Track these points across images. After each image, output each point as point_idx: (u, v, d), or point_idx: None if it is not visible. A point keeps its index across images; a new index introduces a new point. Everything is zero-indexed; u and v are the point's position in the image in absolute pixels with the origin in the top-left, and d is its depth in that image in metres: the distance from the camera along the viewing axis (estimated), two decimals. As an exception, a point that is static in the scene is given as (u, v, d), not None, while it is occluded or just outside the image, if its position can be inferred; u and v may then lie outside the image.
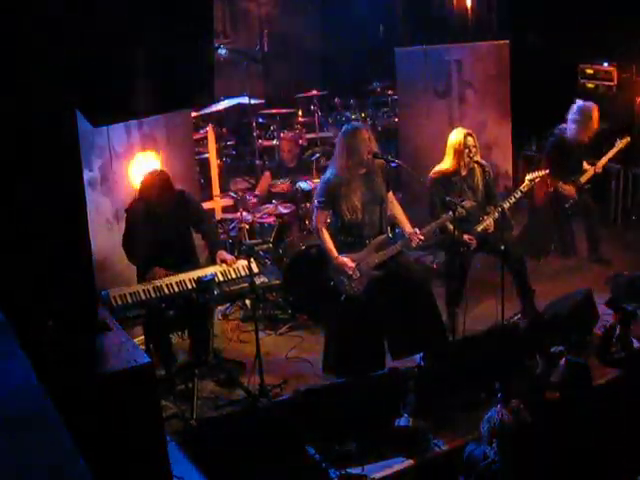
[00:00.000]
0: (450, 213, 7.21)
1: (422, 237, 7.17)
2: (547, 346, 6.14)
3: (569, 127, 9.02)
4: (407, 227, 7.30)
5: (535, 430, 5.56)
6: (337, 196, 7.02)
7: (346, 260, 7.00)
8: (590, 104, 8.97)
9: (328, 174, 7.18)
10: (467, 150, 7.79)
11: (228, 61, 11.70)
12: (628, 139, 9.22)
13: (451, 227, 7.56)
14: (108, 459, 4.81)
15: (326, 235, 7.11)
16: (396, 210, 7.40)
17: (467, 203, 7.38)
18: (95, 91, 4.65)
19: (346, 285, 7.04)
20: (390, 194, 7.37)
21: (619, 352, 6.52)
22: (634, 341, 7.00)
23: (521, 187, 7.95)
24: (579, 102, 9.03)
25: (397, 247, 7.18)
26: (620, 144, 9.19)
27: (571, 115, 9.02)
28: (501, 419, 5.35)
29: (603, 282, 8.71)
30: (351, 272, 6.98)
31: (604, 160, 9.22)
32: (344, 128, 7.26)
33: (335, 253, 7.04)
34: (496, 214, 7.72)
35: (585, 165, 9.23)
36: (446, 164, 7.93)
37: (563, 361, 6.09)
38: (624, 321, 6.50)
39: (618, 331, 6.56)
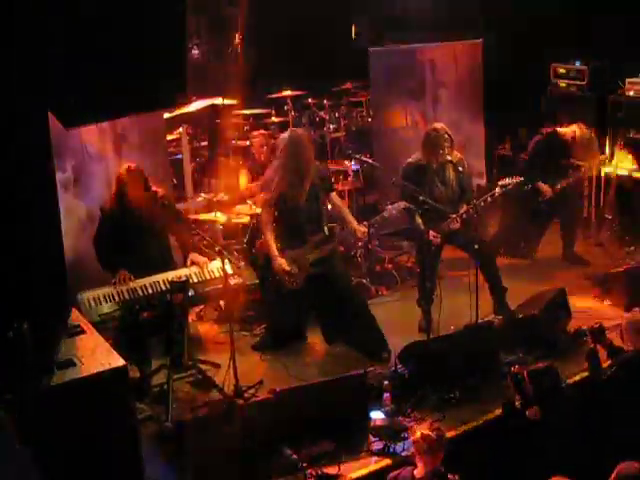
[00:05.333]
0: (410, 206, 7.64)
1: (365, 230, 7.66)
2: (509, 369, 6.18)
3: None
4: (353, 223, 7.71)
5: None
6: (280, 196, 7.42)
7: (283, 264, 7.42)
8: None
9: (272, 173, 7.57)
10: (441, 145, 7.87)
11: (201, 62, 11.65)
12: (605, 156, 9.42)
13: (419, 222, 7.70)
14: (82, 461, 4.80)
15: (269, 235, 7.55)
16: (341, 210, 7.84)
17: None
18: (67, 92, 4.62)
19: (286, 280, 7.45)
20: (333, 195, 7.83)
21: (611, 367, 6.50)
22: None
23: (494, 192, 7.94)
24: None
25: (333, 245, 7.63)
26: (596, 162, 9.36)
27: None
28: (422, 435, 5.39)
29: (577, 280, 8.79)
30: (289, 270, 7.43)
31: (580, 174, 9.33)
32: (288, 134, 7.60)
33: (276, 253, 7.48)
34: (464, 214, 7.77)
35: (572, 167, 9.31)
36: (418, 156, 8.05)
37: (526, 374, 6.09)
38: (597, 338, 6.50)
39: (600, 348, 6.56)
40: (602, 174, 10.04)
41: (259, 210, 8.86)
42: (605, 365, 6.46)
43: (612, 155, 9.87)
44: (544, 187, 9.13)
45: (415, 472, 5.45)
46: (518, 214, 9.45)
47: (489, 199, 7.89)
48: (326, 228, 7.66)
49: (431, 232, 7.67)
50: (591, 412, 6.34)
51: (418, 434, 5.43)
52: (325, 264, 7.55)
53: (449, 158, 7.98)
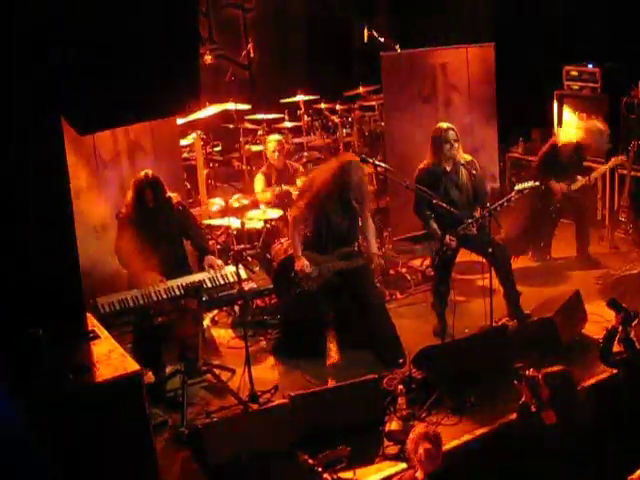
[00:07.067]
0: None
1: (382, 261, 8.01)
2: (523, 372, 6.14)
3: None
4: (373, 248, 7.80)
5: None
6: (317, 206, 7.55)
7: (305, 265, 7.51)
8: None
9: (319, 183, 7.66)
10: (448, 145, 7.83)
11: (214, 67, 11.68)
12: (624, 158, 9.33)
13: (435, 226, 7.74)
14: (96, 466, 4.81)
15: (297, 235, 7.66)
16: (369, 230, 7.87)
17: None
18: (81, 99, 4.64)
19: (303, 280, 7.52)
20: (367, 214, 7.87)
21: (621, 353, 6.47)
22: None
23: (510, 196, 7.84)
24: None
25: (358, 261, 7.64)
26: (614, 161, 9.29)
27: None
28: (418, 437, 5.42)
29: (591, 283, 8.75)
30: (309, 271, 7.52)
31: (596, 174, 9.36)
32: (348, 163, 7.62)
33: (299, 252, 7.58)
34: (480, 218, 7.70)
35: (579, 177, 9.33)
36: (428, 159, 8.01)
37: (541, 378, 6.05)
38: (626, 322, 6.45)
39: (620, 332, 6.51)
40: (616, 176, 10.04)
41: (278, 212, 8.92)
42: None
43: (626, 157, 9.83)
44: (557, 186, 9.16)
45: (417, 475, 5.44)
46: (527, 216, 9.43)
47: (505, 204, 7.77)
48: (357, 244, 7.80)
49: (448, 236, 7.65)
50: (607, 415, 6.33)
51: (412, 438, 5.43)
52: (349, 276, 7.61)
53: (460, 159, 7.94)
